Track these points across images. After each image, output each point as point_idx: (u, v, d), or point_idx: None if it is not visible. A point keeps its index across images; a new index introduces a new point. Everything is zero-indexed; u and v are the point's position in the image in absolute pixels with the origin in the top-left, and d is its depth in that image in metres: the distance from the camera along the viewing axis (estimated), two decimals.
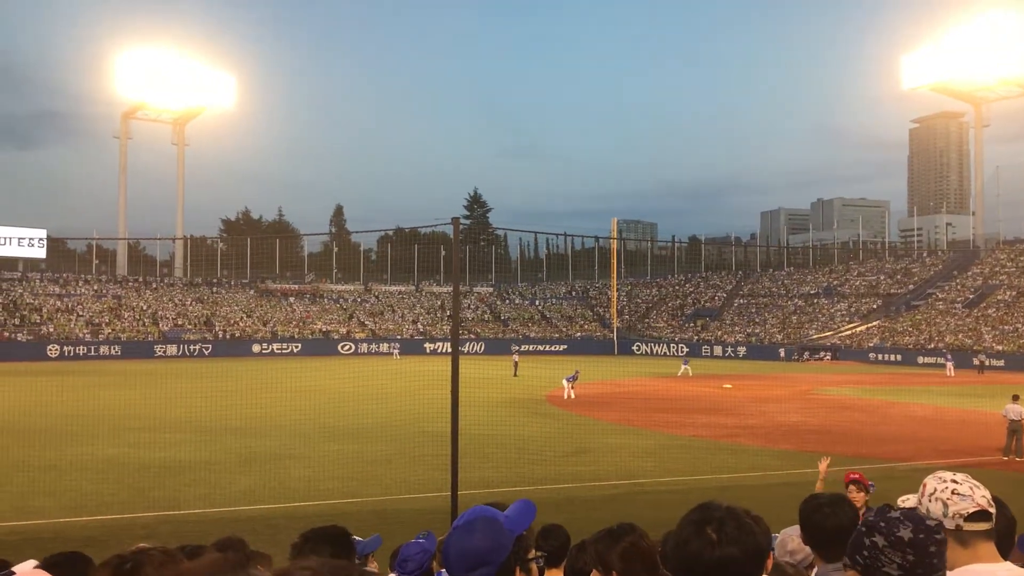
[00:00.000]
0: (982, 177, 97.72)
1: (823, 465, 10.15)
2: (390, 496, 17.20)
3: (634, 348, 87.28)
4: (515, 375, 52.29)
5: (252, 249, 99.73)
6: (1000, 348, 68.02)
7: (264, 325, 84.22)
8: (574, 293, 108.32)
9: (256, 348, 78.25)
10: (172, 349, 74.89)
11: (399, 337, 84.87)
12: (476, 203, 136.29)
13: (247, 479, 19.14)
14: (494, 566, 2.39)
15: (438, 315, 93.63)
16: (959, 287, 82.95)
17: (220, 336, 79.89)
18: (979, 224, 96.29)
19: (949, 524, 2.61)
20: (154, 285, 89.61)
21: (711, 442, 25.56)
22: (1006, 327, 71.33)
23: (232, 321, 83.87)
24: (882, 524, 2.38)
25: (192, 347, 75.93)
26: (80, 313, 78.47)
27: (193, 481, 18.85)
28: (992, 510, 2.66)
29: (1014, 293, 77.37)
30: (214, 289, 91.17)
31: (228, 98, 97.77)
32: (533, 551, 2.69)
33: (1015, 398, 23.53)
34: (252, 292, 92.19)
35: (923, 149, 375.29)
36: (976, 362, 62.28)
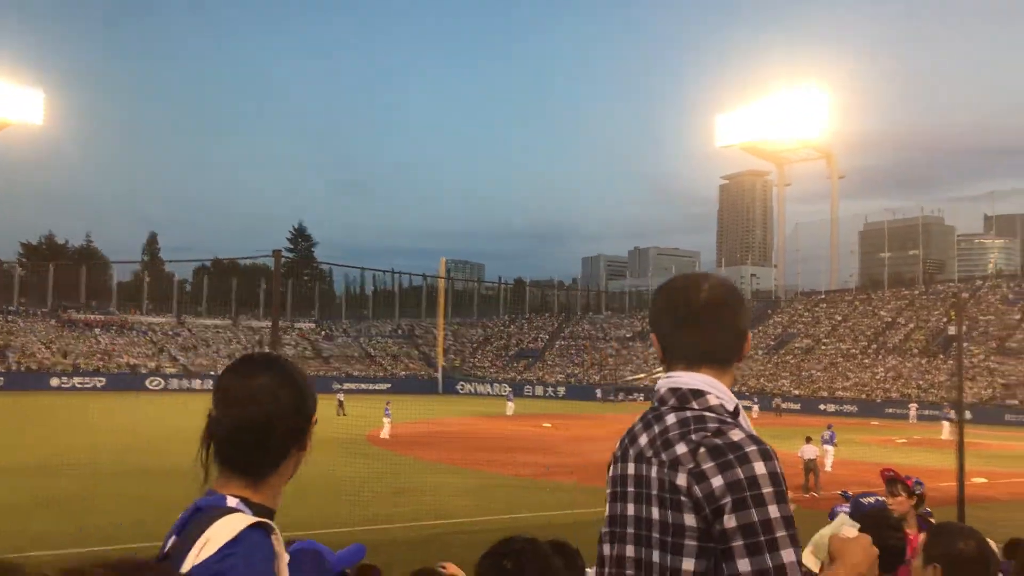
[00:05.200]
0: (783, 232, 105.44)
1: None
2: None
3: (458, 387, 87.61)
4: (341, 414, 51.23)
5: (55, 276, 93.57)
6: (797, 392, 72.91)
7: (65, 357, 78.91)
8: (400, 331, 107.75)
9: (55, 382, 73.05)
10: None
11: (213, 373, 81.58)
12: (301, 236, 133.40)
13: (40, 524, 17.81)
14: None
15: (256, 351, 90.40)
16: (761, 335, 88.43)
17: (14, 368, 74.13)
18: (780, 276, 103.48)
19: None
20: None
21: (530, 480, 25.99)
22: (803, 373, 76.59)
23: (29, 352, 78.09)
24: None
25: None
26: None
27: None
28: None
29: (809, 341, 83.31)
30: (9, 317, 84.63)
31: (35, 114, 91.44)
32: None
33: (808, 440, 25.93)
34: (53, 322, 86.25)
35: (732, 204, 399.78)
36: (775, 405, 66.43)
